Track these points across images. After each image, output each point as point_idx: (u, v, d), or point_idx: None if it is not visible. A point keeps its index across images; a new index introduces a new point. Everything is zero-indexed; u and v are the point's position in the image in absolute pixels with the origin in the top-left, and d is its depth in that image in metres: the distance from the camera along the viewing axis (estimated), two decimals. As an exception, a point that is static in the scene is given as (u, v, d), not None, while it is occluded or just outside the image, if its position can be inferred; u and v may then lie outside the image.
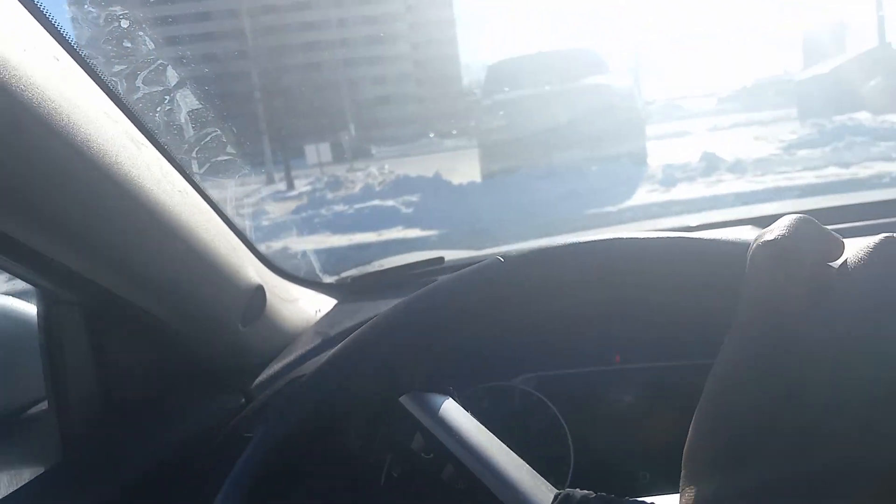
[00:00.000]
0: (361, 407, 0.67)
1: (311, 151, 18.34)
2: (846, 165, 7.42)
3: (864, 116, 12.58)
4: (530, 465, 0.63)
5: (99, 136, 0.65)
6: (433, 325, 0.65)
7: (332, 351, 0.67)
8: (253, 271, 0.97)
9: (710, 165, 8.14)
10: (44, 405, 0.88)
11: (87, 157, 0.63)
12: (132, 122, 0.74)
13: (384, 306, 0.85)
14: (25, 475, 0.83)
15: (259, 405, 0.92)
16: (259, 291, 0.97)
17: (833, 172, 7.25)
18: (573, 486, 0.60)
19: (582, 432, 0.82)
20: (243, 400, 0.95)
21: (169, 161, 0.80)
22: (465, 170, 10.02)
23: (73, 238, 0.66)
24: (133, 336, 0.86)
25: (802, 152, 8.46)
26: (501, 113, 9.33)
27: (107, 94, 0.70)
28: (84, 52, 0.68)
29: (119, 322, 0.84)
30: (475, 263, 0.73)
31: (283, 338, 1.06)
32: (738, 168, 7.89)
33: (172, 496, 0.83)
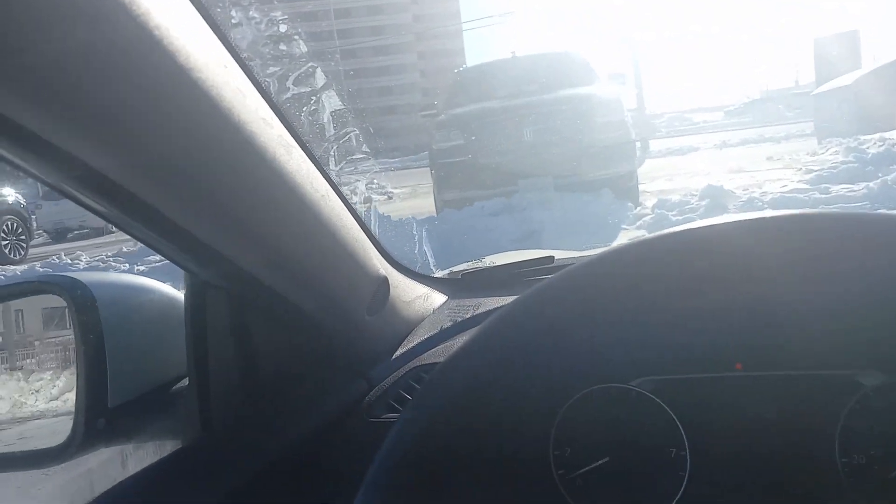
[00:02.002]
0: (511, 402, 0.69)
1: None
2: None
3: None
4: (643, 470, 0.72)
5: (258, 139, 0.68)
6: (558, 320, 0.68)
7: (470, 338, 0.70)
8: (379, 264, 0.99)
9: (716, 203, 5.96)
10: (185, 382, 0.90)
11: (248, 158, 0.68)
12: (284, 125, 0.76)
13: (493, 302, 1.13)
14: (167, 447, 0.85)
15: (382, 391, 0.94)
16: (384, 283, 1.00)
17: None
18: (687, 494, 0.70)
19: (700, 440, 0.75)
20: (367, 386, 0.96)
21: (313, 162, 0.82)
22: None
23: (231, 227, 0.71)
24: (271, 322, 0.89)
25: (837, 188, 6.15)
26: (456, 130, 7.20)
27: (263, 98, 0.72)
28: (244, 55, 0.70)
29: (260, 308, 0.87)
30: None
31: (402, 328, 1.08)
32: (751, 208, 5.67)
33: (304, 479, 0.85)
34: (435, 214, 7.60)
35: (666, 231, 0.68)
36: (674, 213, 6.03)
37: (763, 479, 0.73)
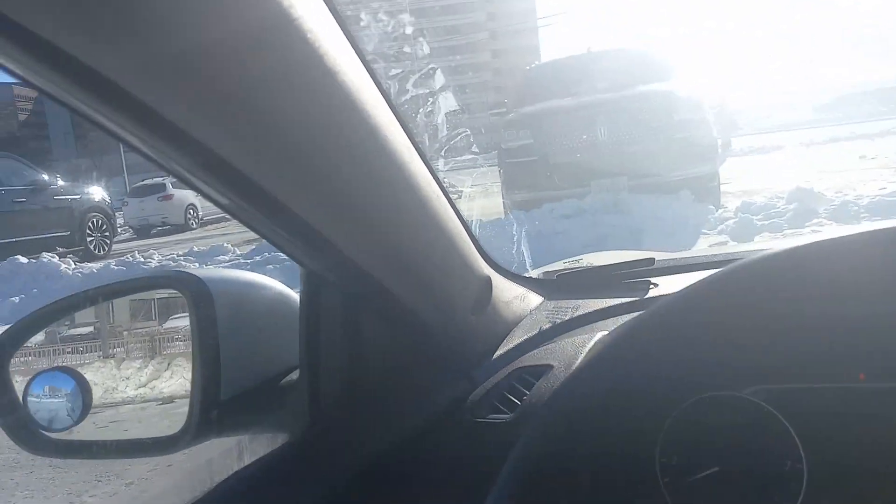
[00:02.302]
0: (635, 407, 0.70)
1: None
2: None
3: None
4: (755, 482, 0.71)
5: (383, 140, 0.72)
6: (684, 331, 0.71)
7: (594, 351, 0.77)
8: (482, 264, 1.02)
9: (805, 207, 5.50)
10: (295, 376, 0.92)
11: (373, 157, 0.72)
12: (403, 127, 0.78)
13: (592, 305, 1.13)
14: (278, 440, 0.86)
15: (485, 392, 0.95)
16: (487, 283, 1.02)
17: None
18: None
19: (817, 452, 0.73)
20: (469, 385, 0.97)
21: (425, 163, 0.84)
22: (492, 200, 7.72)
23: (353, 223, 0.74)
24: (381, 319, 0.91)
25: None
26: (525, 129, 6.96)
27: (386, 101, 0.74)
28: (370, 57, 0.72)
29: (371, 305, 0.89)
30: (688, 265, 1.09)
31: (502, 329, 1.09)
32: (844, 214, 5.19)
33: (410, 476, 0.86)
34: (502, 216, 7.32)
35: (796, 244, 0.68)
36: (759, 217, 5.64)
37: (886, 496, 0.70)
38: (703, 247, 5.36)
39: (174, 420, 0.88)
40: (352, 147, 0.68)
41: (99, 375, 1.24)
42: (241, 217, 0.71)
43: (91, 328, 1.33)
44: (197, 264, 7.41)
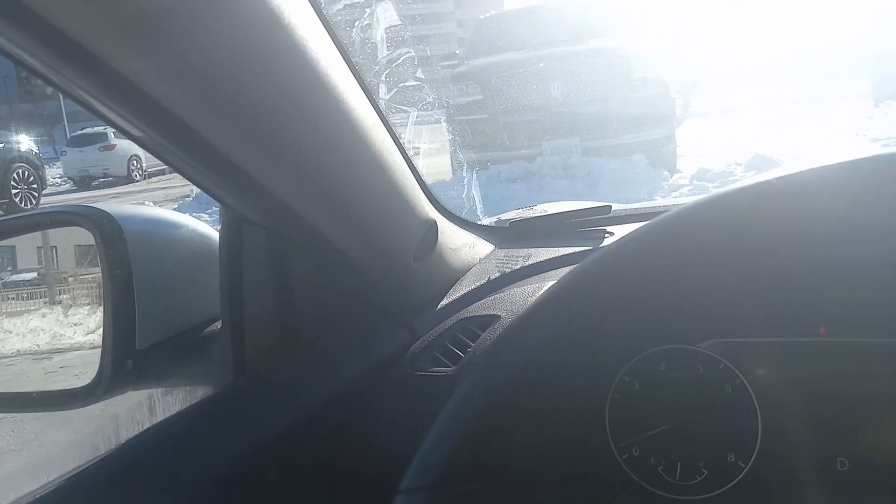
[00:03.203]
0: (581, 360, 0.69)
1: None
2: None
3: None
4: (709, 439, 0.70)
5: (306, 59, 0.66)
6: (631, 280, 0.67)
7: (539, 299, 0.71)
8: (427, 209, 0.98)
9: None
10: (218, 325, 0.87)
11: (295, 79, 0.66)
12: (334, 43, 0.72)
13: (544, 254, 1.09)
14: (198, 393, 0.82)
15: (427, 343, 0.92)
16: (433, 228, 0.98)
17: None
18: (758, 464, 0.69)
19: (773, 408, 0.72)
20: (410, 336, 0.94)
21: (362, 87, 0.79)
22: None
23: (275, 156, 0.69)
24: (312, 264, 0.87)
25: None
26: (475, 84, 6.47)
27: (314, 9, 0.69)
28: None
29: (301, 248, 0.85)
30: (645, 214, 1.03)
31: (448, 277, 1.05)
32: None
33: (343, 430, 0.84)
34: (450, 178, 6.88)
35: (749, 181, 0.63)
36: (715, 184, 5.45)
37: (843, 452, 0.69)
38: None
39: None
40: (277, 71, 0.63)
41: (46, 321, 1.25)
42: (159, 152, 0.66)
43: (35, 273, 1.30)
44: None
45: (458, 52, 8.42)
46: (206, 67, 0.57)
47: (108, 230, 0.81)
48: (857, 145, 7.09)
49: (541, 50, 6.97)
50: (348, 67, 0.75)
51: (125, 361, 0.80)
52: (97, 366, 0.82)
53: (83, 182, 17.79)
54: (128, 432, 0.73)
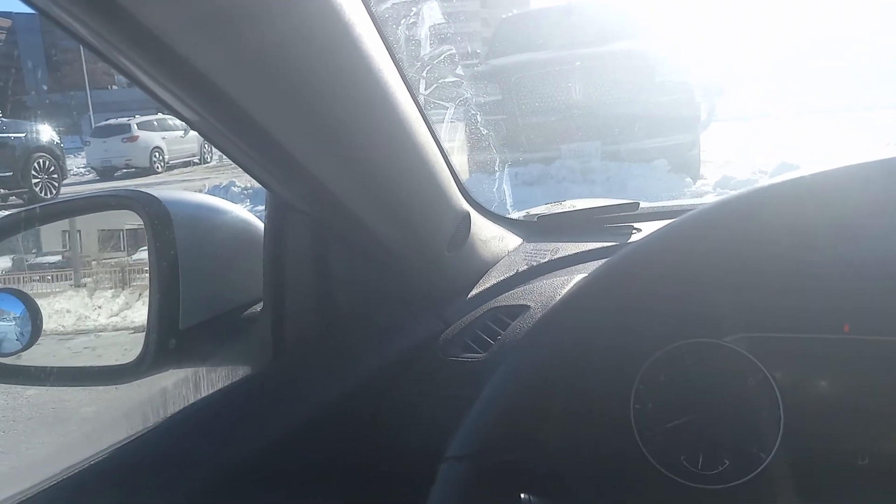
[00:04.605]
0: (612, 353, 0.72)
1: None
2: None
3: None
4: (732, 431, 0.71)
5: (358, 55, 0.69)
6: (665, 273, 0.69)
7: (572, 290, 0.73)
8: (461, 200, 1.02)
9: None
10: (259, 308, 0.91)
11: (348, 74, 0.68)
12: (383, 42, 0.75)
13: (572, 248, 1.11)
14: (239, 372, 0.85)
15: (458, 330, 0.95)
16: (466, 220, 1.02)
17: None
18: (779, 457, 0.70)
19: (795, 403, 0.74)
20: (441, 324, 0.97)
21: (406, 85, 0.81)
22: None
23: (324, 145, 0.71)
24: (351, 251, 0.90)
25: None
26: (494, 84, 6.35)
27: (366, 10, 0.71)
28: None
29: (341, 236, 0.88)
30: (673, 211, 1.06)
31: (478, 267, 1.08)
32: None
33: (376, 412, 0.86)
34: (467, 178, 6.71)
35: (779, 179, 0.65)
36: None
37: (864, 449, 0.70)
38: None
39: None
40: (335, 70, 0.66)
41: (72, 303, 1.28)
42: (209, 134, 0.69)
43: (60, 257, 1.32)
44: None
45: (479, 50, 8.29)
46: (267, 56, 0.60)
47: (156, 214, 0.84)
48: (885, 154, 6.81)
49: (563, 51, 6.89)
50: (394, 63, 0.77)
51: (169, 340, 0.82)
52: (120, 347, 0.87)
53: (106, 172, 18.07)
54: (173, 407, 0.77)
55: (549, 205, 1.53)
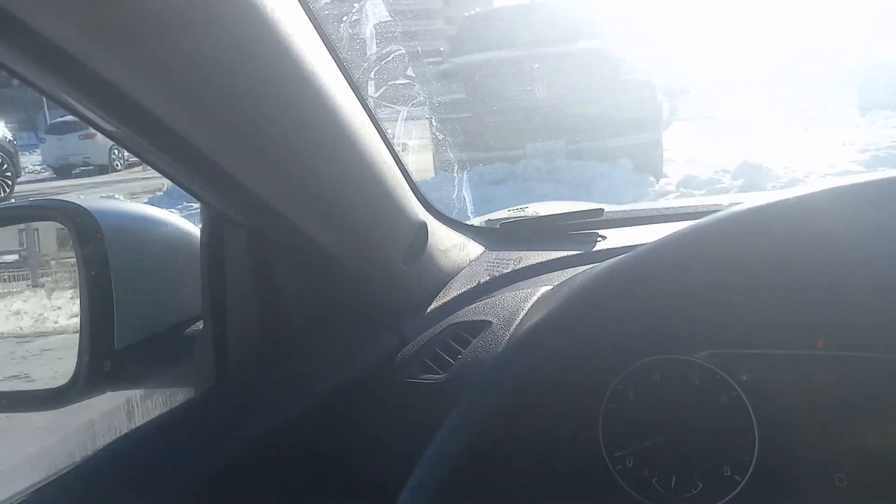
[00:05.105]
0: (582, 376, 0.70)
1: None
2: None
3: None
4: (704, 451, 0.69)
5: (290, 52, 0.62)
6: (637, 293, 0.68)
7: (543, 316, 0.71)
8: (417, 208, 0.95)
9: (751, 183, 5.11)
10: (200, 326, 0.84)
11: (279, 73, 0.62)
12: (321, 37, 0.69)
13: (535, 257, 1.06)
14: (178, 396, 0.80)
15: (416, 348, 0.90)
16: (423, 230, 0.95)
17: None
18: (754, 479, 0.67)
19: (770, 422, 0.72)
20: (398, 341, 0.91)
21: (350, 84, 0.75)
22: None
23: (257, 154, 0.66)
24: (297, 264, 0.84)
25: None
26: (458, 82, 6.29)
27: (308, 16, 0.66)
28: None
29: (284, 249, 0.82)
30: (637, 217, 1.08)
31: (438, 280, 1.02)
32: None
33: (327, 438, 0.81)
34: (433, 176, 6.71)
35: (752, 204, 0.65)
36: (702, 192, 5.32)
37: (839, 467, 0.68)
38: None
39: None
40: (258, 66, 0.59)
41: (29, 304, 1.31)
42: (128, 145, 0.63)
43: (17, 256, 1.32)
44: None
45: (441, 49, 8.24)
46: (180, 60, 0.54)
47: (84, 226, 0.79)
48: (844, 154, 6.99)
49: (526, 49, 6.87)
50: (335, 63, 0.72)
51: (103, 362, 0.77)
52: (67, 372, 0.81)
53: (63, 170, 17.57)
54: (105, 437, 0.72)
55: (511, 210, 1.48)
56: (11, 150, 12.12)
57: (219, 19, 0.54)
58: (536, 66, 6.57)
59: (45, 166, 17.67)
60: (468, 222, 1.27)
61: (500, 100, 6.66)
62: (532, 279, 1.02)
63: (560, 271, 1.02)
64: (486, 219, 1.35)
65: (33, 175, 16.94)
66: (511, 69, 6.68)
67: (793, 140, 9.39)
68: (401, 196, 0.88)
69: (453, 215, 1.15)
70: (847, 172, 5.49)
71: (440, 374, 0.84)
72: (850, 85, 15.87)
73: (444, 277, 1.03)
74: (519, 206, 1.48)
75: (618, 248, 1.07)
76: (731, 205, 1.32)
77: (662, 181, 6.35)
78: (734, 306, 0.70)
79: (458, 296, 0.99)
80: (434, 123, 7.22)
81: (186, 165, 0.66)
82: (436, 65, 7.77)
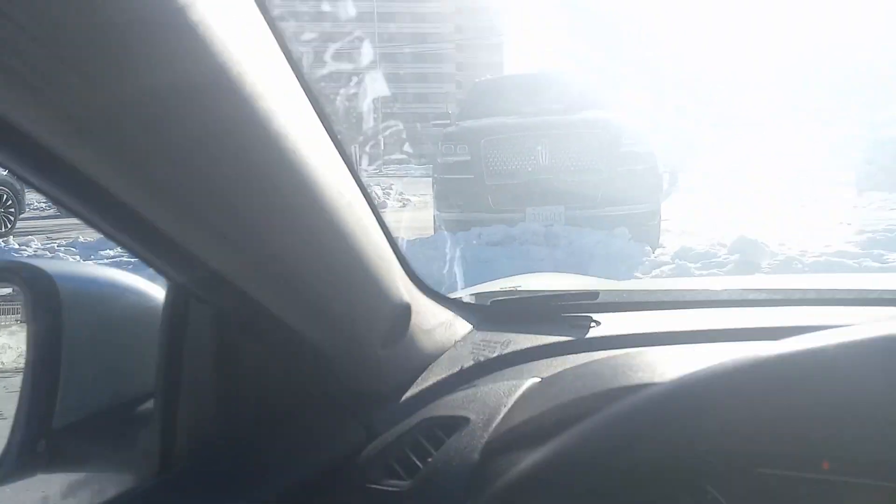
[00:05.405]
0: None
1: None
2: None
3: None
4: None
5: (275, 118, 0.56)
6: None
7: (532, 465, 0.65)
8: (402, 287, 0.87)
9: (747, 260, 5.08)
10: (150, 404, 0.78)
11: (257, 141, 0.55)
12: (312, 104, 0.64)
13: (524, 341, 1.01)
14: (111, 490, 0.68)
15: (384, 445, 0.82)
16: (405, 311, 0.87)
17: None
18: None
19: None
20: (366, 434, 0.84)
21: (343, 158, 0.71)
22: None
23: (223, 237, 0.59)
24: (264, 349, 0.78)
25: (894, 256, 5.13)
26: (463, 144, 6.40)
27: (290, 67, 0.60)
28: (276, 13, 0.59)
29: (252, 331, 0.76)
30: (633, 302, 1.11)
31: (417, 364, 0.94)
32: (788, 271, 4.78)
33: None
34: (432, 234, 6.75)
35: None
36: (697, 265, 5.27)
37: None
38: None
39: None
40: (230, 131, 0.52)
41: (14, 339, 1.26)
42: (75, 211, 0.54)
43: (10, 290, 1.21)
44: (79, 257, 6.52)
45: (450, 111, 8.37)
46: (119, 116, 0.46)
47: (42, 290, 0.73)
48: (840, 233, 7.03)
49: (532, 117, 7.00)
50: (330, 139, 0.67)
51: (37, 441, 0.71)
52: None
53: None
54: None
55: (503, 281, 1.44)
56: (18, 186, 12.19)
57: (187, 90, 0.47)
58: (540, 133, 6.68)
59: (49, 203, 17.80)
60: (457, 295, 1.23)
61: (502, 163, 6.74)
62: (519, 367, 0.96)
63: (548, 358, 0.96)
64: (477, 291, 1.31)
65: (38, 212, 16.99)
66: (515, 135, 6.76)
67: (790, 216, 9.51)
68: (384, 277, 0.81)
69: (446, 277, 1.11)
70: (843, 253, 5.51)
71: (405, 481, 0.76)
72: (847, 165, 16.11)
73: (426, 360, 0.96)
74: (513, 282, 1.43)
75: (612, 336, 1.02)
76: (724, 290, 1.31)
77: (658, 251, 6.36)
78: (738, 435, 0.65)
79: (439, 382, 0.92)
80: (437, 183, 7.30)
81: (145, 241, 0.60)
82: (442, 126, 7.90)
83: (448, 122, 7.91)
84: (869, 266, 4.97)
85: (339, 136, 0.70)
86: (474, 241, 6.26)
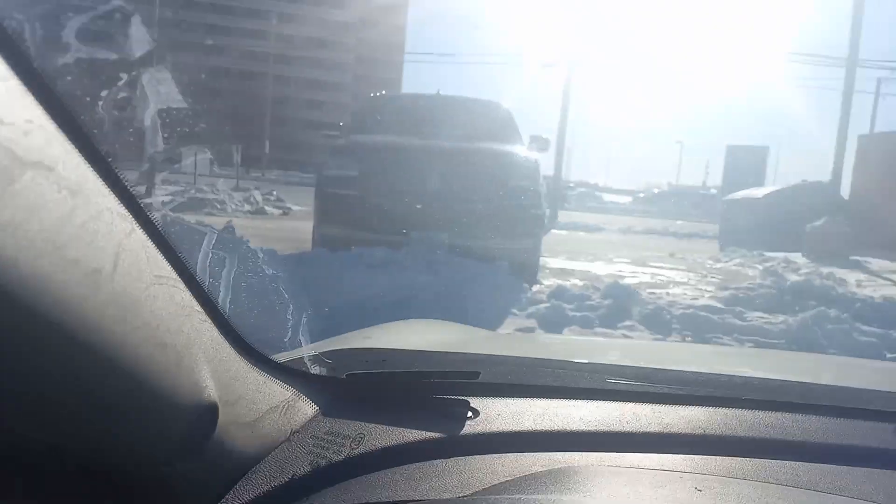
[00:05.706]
0: None
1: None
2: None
3: (802, 261, 10.03)
4: None
5: None
6: None
7: None
8: (209, 374, 0.67)
9: (619, 305, 5.15)
10: None
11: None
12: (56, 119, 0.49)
13: (380, 437, 0.83)
14: None
15: None
16: (207, 411, 0.67)
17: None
18: None
19: None
20: None
21: (114, 187, 0.54)
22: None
23: None
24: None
25: (754, 315, 5.39)
26: (352, 159, 6.17)
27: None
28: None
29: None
30: (516, 386, 0.96)
31: (229, 472, 0.73)
32: (657, 322, 4.84)
33: None
34: (308, 250, 6.45)
35: None
36: (572, 306, 5.31)
37: None
38: (509, 329, 4.76)
39: None
40: None
41: None
42: None
43: None
44: None
45: (341, 123, 8.13)
46: None
47: None
48: (706, 286, 7.39)
49: (425, 140, 6.86)
50: (80, 149, 0.51)
51: None
52: None
53: None
54: None
55: (372, 331, 1.26)
56: None
57: None
58: (431, 157, 6.57)
59: None
60: (309, 354, 0.99)
61: (390, 184, 6.57)
62: (369, 477, 0.77)
63: (412, 465, 0.79)
64: (336, 347, 1.11)
65: None
66: (407, 155, 6.62)
67: (661, 263, 9.95)
68: (174, 373, 0.61)
69: (316, 303, 0.90)
70: (709, 308, 5.72)
71: None
72: (716, 219, 17.20)
73: (245, 463, 0.75)
74: (381, 335, 1.27)
75: (490, 433, 0.86)
76: (617, 372, 1.11)
77: (536, 288, 6.40)
78: None
79: (258, 498, 0.72)
80: (320, 196, 7.00)
81: None
82: (333, 138, 7.63)
83: (338, 133, 7.66)
84: (731, 323, 5.19)
85: (108, 160, 0.53)
86: (355, 262, 6.03)
